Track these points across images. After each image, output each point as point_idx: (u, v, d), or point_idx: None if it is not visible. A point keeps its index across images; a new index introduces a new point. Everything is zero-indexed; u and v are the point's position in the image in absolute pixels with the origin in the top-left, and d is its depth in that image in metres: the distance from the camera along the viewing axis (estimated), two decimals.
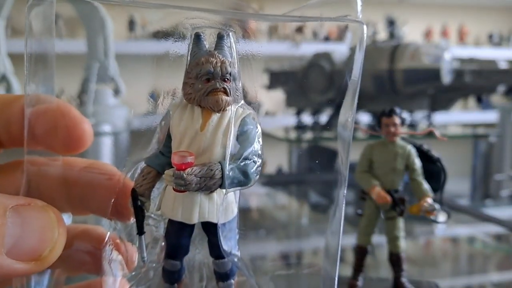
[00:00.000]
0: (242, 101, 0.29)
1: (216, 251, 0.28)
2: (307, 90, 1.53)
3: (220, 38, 0.29)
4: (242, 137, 0.27)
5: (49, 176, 0.25)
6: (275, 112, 2.50)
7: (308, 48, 2.25)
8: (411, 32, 2.61)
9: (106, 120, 1.48)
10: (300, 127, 1.68)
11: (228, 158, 0.26)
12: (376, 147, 0.45)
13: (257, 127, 0.28)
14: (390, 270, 0.46)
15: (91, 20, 1.50)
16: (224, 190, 0.27)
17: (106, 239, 0.27)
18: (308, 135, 1.56)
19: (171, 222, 0.28)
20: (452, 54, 1.34)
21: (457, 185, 1.61)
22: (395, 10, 2.63)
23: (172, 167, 0.26)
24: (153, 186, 0.28)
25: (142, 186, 0.28)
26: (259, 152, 0.28)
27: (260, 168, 0.27)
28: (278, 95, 2.14)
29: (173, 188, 0.26)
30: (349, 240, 0.70)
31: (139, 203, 0.27)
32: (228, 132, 0.27)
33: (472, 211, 0.88)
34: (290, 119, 1.96)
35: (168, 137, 0.28)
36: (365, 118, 1.69)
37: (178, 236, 0.28)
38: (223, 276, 0.29)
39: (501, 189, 1.49)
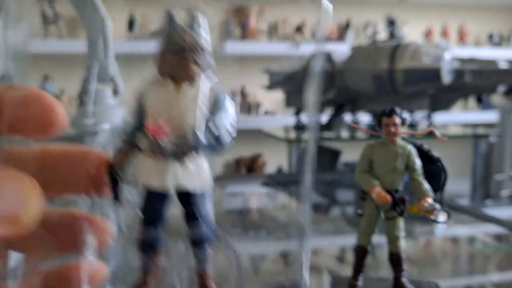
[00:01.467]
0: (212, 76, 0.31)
1: (191, 218, 0.29)
2: (306, 90, 1.53)
3: (192, 19, 0.32)
4: (216, 106, 0.29)
5: (24, 157, 0.25)
6: (274, 112, 2.50)
7: (308, 48, 2.25)
8: (411, 32, 2.61)
9: (106, 120, 1.48)
10: (300, 127, 1.68)
11: (202, 126, 0.28)
12: (376, 147, 0.45)
13: (230, 102, 0.30)
14: (390, 270, 0.46)
15: (91, 20, 1.50)
16: (198, 160, 0.29)
17: (80, 217, 0.27)
18: (308, 135, 1.55)
19: (147, 192, 0.30)
20: (452, 54, 1.34)
21: (457, 185, 1.61)
22: (395, 10, 2.63)
23: (148, 139, 0.28)
24: (129, 159, 0.30)
25: (118, 158, 0.29)
26: (232, 122, 0.30)
27: (232, 136, 0.30)
28: (277, 95, 2.14)
29: (149, 154, 0.28)
30: (350, 240, 0.70)
31: (115, 175, 0.28)
32: (199, 102, 0.29)
33: (472, 211, 0.88)
34: (289, 119, 1.96)
35: (143, 112, 0.30)
36: (365, 118, 1.69)
37: (153, 205, 0.30)
38: (198, 242, 0.30)
39: (501, 189, 1.49)
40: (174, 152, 0.28)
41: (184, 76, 0.29)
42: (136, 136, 0.30)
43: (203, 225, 0.30)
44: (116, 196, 0.29)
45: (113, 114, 1.64)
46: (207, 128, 0.29)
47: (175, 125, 0.28)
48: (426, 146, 0.46)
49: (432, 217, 0.43)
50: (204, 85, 0.30)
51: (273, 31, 2.41)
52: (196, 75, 0.29)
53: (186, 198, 0.30)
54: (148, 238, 0.30)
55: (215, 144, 0.29)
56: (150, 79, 0.30)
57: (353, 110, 1.58)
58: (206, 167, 0.30)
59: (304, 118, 1.70)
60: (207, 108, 0.29)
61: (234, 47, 2.28)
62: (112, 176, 0.28)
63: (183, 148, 0.28)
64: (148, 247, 0.30)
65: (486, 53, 2.47)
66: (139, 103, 0.30)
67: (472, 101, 2.68)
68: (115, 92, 1.66)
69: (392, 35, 2.28)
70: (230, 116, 0.30)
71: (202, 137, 0.28)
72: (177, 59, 0.29)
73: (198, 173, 0.29)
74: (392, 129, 0.43)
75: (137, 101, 0.31)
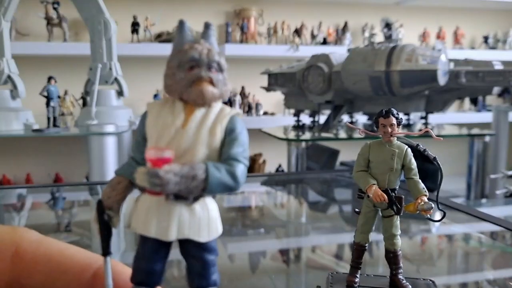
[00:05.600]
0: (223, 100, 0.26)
1: (198, 280, 0.23)
2: (305, 91, 1.54)
3: (207, 27, 0.25)
4: (230, 136, 0.23)
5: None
6: (274, 112, 2.51)
7: (307, 51, 2.26)
8: (408, 34, 2.64)
9: (110, 120, 1.49)
10: (299, 127, 1.69)
11: (215, 160, 0.23)
12: (373, 147, 0.46)
13: (245, 129, 0.25)
14: (387, 268, 0.47)
15: (95, 22, 1.51)
16: (208, 203, 0.23)
17: None
18: (307, 135, 1.57)
19: (143, 241, 0.23)
20: (447, 56, 1.36)
21: (453, 184, 1.63)
22: (392, 13, 2.65)
23: (147, 171, 0.22)
24: (123, 198, 0.24)
25: (111, 198, 0.24)
26: (247, 150, 0.24)
27: (246, 172, 0.23)
28: (277, 96, 2.15)
29: (146, 190, 0.22)
30: (347, 238, 0.71)
31: (105, 218, 0.23)
32: (215, 131, 0.23)
33: (468, 209, 0.90)
34: (289, 120, 1.97)
35: (143, 140, 0.24)
36: (362, 118, 1.70)
37: (150, 258, 0.23)
38: None
39: (496, 188, 1.51)
40: (178, 188, 0.21)
41: (197, 99, 0.23)
42: (133, 169, 0.23)
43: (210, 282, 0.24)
44: (104, 242, 0.23)
45: (117, 115, 1.66)
46: (225, 161, 0.23)
47: (180, 156, 0.22)
48: (422, 146, 0.47)
49: (428, 215, 0.44)
50: (218, 108, 0.24)
51: (272, 34, 2.43)
52: (212, 98, 0.23)
53: (191, 249, 0.23)
54: None
55: (231, 182, 0.22)
56: (157, 100, 0.25)
57: (351, 111, 1.60)
58: (215, 213, 0.24)
59: (303, 118, 1.71)
60: (221, 136, 0.23)
61: (234, 49, 2.30)
62: (101, 216, 0.23)
63: (190, 185, 0.21)
64: None
65: (482, 55, 2.50)
66: (141, 128, 0.24)
67: (467, 103, 2.71)
68: (119, 93, 1.68)
69: (388, 37, 2.30)
70: (246, 144, 0.24)
71: (215, 172, 0.22)
72: (188, 77, 0.23)
73: (207, 218, 0.23)
74: (389, 129, 0.44)
75: (140, 125, 0.24)
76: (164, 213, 0.23)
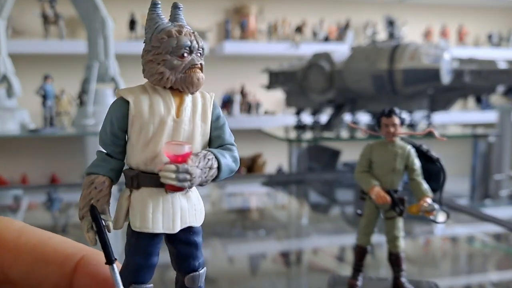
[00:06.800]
0: None
1: (191, 263, 0.23)
2: (306, 90, 1.53)
3: (177, 8, 0.24)
4: (219, 121, 0.24)
5: None
6: (274, 111, 2.50)
7: (308, 48, 2.25)
8: (411, 32, 2.61)
9: None
10: (300, 126, 1.68)
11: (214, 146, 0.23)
12: (375, 147, 0.45)
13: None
14: (390, 270, 0.46)
15: (92, 20, 1.50)
16: (194, 188, 0.23)
17: None
18: (308, 135, 1.56)
19: (137, 236, 0.22)
20: (451, 54, 1.34)
21: (457, 185, 1.61)
22: (395, 11, 2.63)
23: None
24: (110, 199, 0.23)
25: (100, 201, 0.22)
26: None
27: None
28: (278, 95, 2.14)
29: (166, 187, 0.21)
30: (349, 240, 0.70)
31: (103, 223, 0.22)
32: (207, 117, 0.23)
33: (472, 211, 0.88)
34: (290, 119, 1.96)
35: (122, 133, 0.22)
36: (365, 118, 1.69)
37: (148, 253, 0.22)
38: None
39: (500, 189, 1.50)
40: (200, 181, 0.21)
41: (191, 86, 0.22)
42: (111, 165, 0.22)
43: (203, 270, 0.24)
44: (107, 249, 0.22)
45: None
46: (223, 146, 0.23)
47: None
48: (425, 146, 0.46)
49: (431, 217, 0.43)
50: (198, 93, 0.24)
51: (272, 31, 2.41)
52: (202, 84, 0.23)
53: (183, 236, 0.23)
54: None
55: (234, 166, 0.23)
56: (131, 87, 0.23)
57: (353, 110, 1.59)
58: (199, 197, 0.24)
59: (305, 117, 1.70)
60: (209, 122, 0.24)
61: (233, 47, 2.28)
62: (98, 222, 0.22)
63: (208, 175, 0.22)
64: None
65: (486, 53, 2.48)
66: (121, 119, 0.22)
67: (471, 101, 2.69)
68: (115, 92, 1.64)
69: (391, 35, 2.28)
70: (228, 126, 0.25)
71: (223, 159, 0.22)
72: (184, 64, 0.22)
73: (199, 202, 0.23)
74: (391, 129, 0.43)
75: (117, 116, 0.22)
76: (169, 207, 0.22)
